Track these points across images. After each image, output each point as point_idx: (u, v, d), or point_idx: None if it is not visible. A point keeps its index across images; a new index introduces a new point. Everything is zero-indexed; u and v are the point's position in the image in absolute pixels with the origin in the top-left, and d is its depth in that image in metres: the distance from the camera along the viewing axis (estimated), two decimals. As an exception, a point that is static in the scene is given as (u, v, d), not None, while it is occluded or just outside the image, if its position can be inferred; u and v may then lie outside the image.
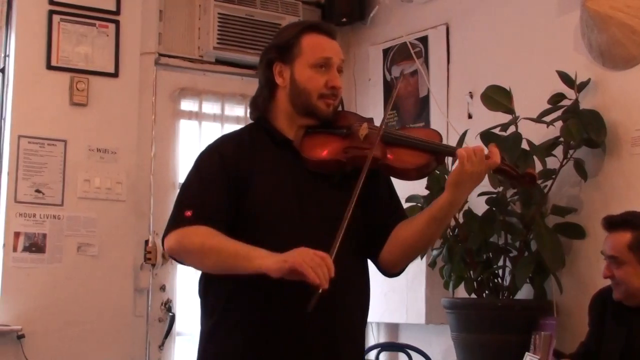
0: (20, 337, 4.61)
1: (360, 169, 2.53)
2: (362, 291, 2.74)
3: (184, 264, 2.64)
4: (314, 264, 2.31)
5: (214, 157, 2.66)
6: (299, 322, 2.52)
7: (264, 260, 2.40)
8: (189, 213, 2.54)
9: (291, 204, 2.59)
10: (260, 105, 2.76)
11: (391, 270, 2.75)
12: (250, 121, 2.84)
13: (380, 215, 2.71)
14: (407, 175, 2.65)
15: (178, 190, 2.73)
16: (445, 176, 3.83)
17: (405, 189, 3.33)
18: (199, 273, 2.72)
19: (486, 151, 2.53)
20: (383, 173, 2.67)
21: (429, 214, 2.61)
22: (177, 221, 2.56)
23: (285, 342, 2.55)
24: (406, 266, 2.77)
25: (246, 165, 2.62)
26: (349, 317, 2.66)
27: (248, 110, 2.84)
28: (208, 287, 2.67)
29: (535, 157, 4.07)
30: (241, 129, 2.88)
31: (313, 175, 2.63)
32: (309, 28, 2.71)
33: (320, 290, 2.30)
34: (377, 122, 2.71)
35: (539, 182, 4.11)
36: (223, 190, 2.58)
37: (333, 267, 2.33)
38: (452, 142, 4.51)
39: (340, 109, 2.75)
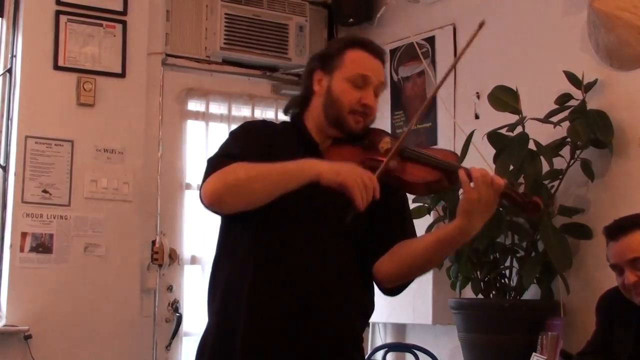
0: (27, 337, 4.62)
1: (379, 181, 2.57)
2: (358, 292, 2.72)
3: (224, 210, 2.57)
4: (363, 185, 2.40)
5: (251, 129, 2.73)
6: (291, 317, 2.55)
7: (316, 168, 2.46)
8: (225, 160, 2.53)
9: (302, 202, 2.59)
10: (298, 108, 2.80)
11: (386, 285, 2.75)
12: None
13: (385, 227, 2.72)
14: (416, 189, 2.69)
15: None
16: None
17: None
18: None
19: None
20: (393, 185, 2.67)
21: (436, 235, 2.65)
22: (213, 168, 2.52)
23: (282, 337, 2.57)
24: (402, 285, 2.76)
25: (275, 152, 2.63)
26: (340, 317, 2.65)
27: (285, 106, 2.85)
28: (216, 274, 2.70)
29: (542, 158, 4.06)
30: (277, 122, 2.91)
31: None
32: (356, 43, 2.73)
33: (358, 210, 2.40)
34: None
35: (546, 182, 4.10)
36: (254, 151, 2.59)
37: (378, 191, 2.43)
38: (459, 142, 4.51)
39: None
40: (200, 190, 2.53)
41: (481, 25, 2.72)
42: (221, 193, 2.48)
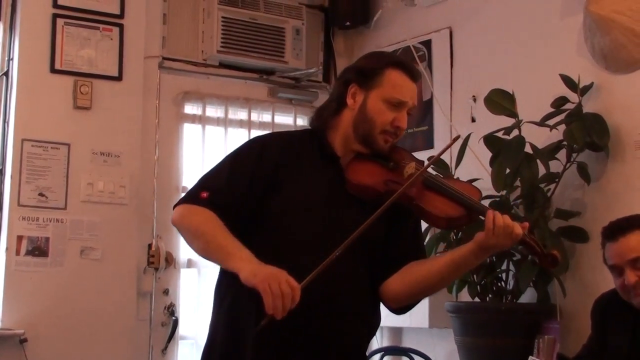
0: (23, 341, 4.60)
1: (396, 203, 2.57)
2: (367, 307, 2.74)
3: (183, 238, 2.71)
4: (277, 292, 2.34)
5: (255, 148, 2.73)
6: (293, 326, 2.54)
7: (241, 263, 2.46)
8: (205, 194, 2.62)
9: (316, 215, 2.63)
10: (323, 117, 2.80)
11: (391, 304, 2.76)
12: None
13: (399, 248, 2.73)
14: (437, 222, 2.70)
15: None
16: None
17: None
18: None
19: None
20: (415, 213, 2.69)
21: (450, 256, 2.65)
22: (191, 197, 2.65)
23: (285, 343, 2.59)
24: (410, 305, 2.78)
25: (285, 166, 2.67)
26: (348, 332, 2.67)
27: (313, 116, 2.87)
28: (223, 280, 2.73)
29: (538, 161, 4.07)
30: (295, 131, 3.00)
31: (349, 197, 2.67)
32: (397, 64, 2.74)
33: (273, 318, 2.34)
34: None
35: (542, 185, 4.11)
36: (249, 182, 2.63)
37: (298, 298, 2.35)
38: (455, 145, 4.50)
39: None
40: (174, 205, 2.66)
41: (455, 139, 2.79)
42: (177, 225, 2.66)
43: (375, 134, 2.68)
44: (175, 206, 2.66)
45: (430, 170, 2.72)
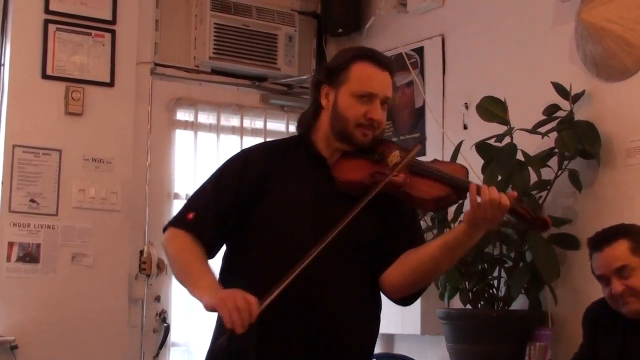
0: (14, 347, 4.58)
1: (385, 194, 2.58)
2: (365, 308, 2.74)
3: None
4: (232, 307, 2.36)
5: (238, 162, 2.76)
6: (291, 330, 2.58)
7: (201, 292, 2.51)
8: (191, 215, 2.67)
9: (306, 218, 2.64)
10: (304, 122, 2.82)
11: (393, 296, 2.76)
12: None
13: (395, 238, 2.72)
14: (425, 205, 2.70)
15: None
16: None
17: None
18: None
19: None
20: (403, 201, 2.68)
21: (443, 240, 2.64)
22: (177, 219, 2.71)
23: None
24: (413, 294, 2.76)
25: (272, 173, 2.69)
26: (345, 334, 2.66)
27: (297, 122, 2.90)
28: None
29: (530, 168, 4.07)
30: (281, 140, 2.96)
31: (339, 195, 2.66)
32: (362, 56, 2.73)
33: (233, 332, 2.37)
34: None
35: (534, 192, 4.11)
36: (235, 196, 2.67)
37: (255, 313, 2.37)
38: (448, 152, 4.52)
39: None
40: (164, 228, 2.74)
41: (418, 148, 2.77)
42: (164, 248, 2.75)
43: (350, 130, 2.68)
44: (165, 228, 2.72)
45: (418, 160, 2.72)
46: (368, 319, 2.76)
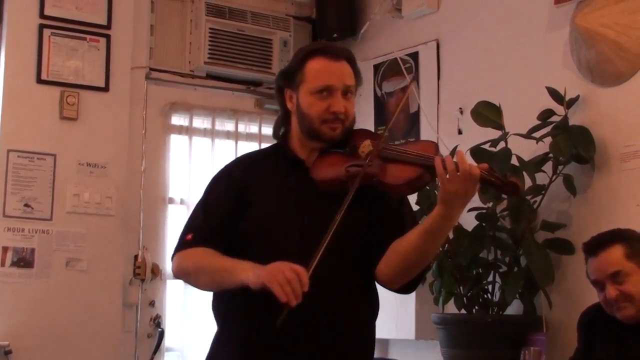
0: (8, 352, 4.58)
1: (365, 186, 2.58)
2: (359, 306, 2.73)
3: (191, 285, 2.82)
4: (283, 280, 2.36)
5: (222, 180, 2.79)
6: (286, 338, 2.56)
7: (245, 273, 2.49)
8: (189, 237, 2.71)
9: (291, 223, 2.64)
10: (277, 128, 2.84)
11: (392, 285, 2.73)
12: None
13: (382, 231, 2.71)
14: (400, 189, 2.66)
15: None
16: (435, 192, 3.84)
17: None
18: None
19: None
20: (380, 189, 2.66)
21: (422, 227, 2.60)
22: (180, 245, 2.74)
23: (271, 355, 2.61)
24: (408, 281, 2.72)
25: (254, 183, 2.71)
26: (341, 333, 2.65)
27: (272, 130, 2.91)
28: (215, 302, 2.78)
29: (525, 173, 4.07)
30: (263, 149, 2.98)
31: (322, 195, 2.66)
32: (313, 52, 2.73)
33: (288, 306, 2.35)
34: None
35: (529, 197, 4.11)
36: (225, 211, 2.70)
37: (307, 281, 2.37)
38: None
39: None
40: (172, 259, 2.77)
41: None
42: (178, 275, 2.77)
43: (317, 127, 2.67)
44: (172, 258, 2.75)
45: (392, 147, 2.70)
46: (366, 318, 2.76)
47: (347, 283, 2.67)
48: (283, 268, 2.39)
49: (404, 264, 2.65)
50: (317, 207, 2.63)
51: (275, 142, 2.88)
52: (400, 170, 2.60)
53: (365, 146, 2.67)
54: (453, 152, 4.27)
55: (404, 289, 2.75)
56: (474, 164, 2.50)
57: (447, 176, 2.45)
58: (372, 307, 2.79)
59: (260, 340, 2.60)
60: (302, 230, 2.61)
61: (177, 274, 2.75)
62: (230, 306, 2.69)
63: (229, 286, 2.57)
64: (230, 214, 2.69)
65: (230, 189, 2.72)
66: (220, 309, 2.75)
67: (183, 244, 2.72)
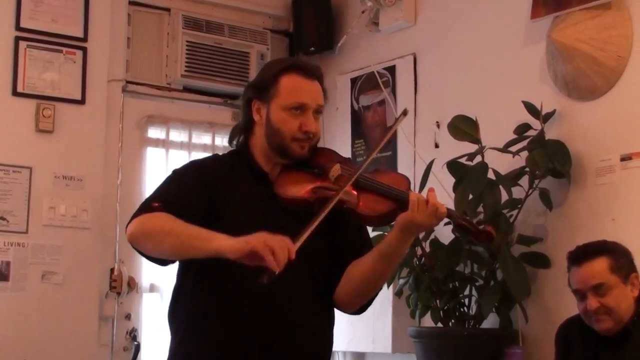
0: (-17, 366, 4.56)
1: (334, 210, 2.55)
2: (322, 331, 2.74)
3: (144, 253, 2.60)
4: (277, 247, 2.30)
5: (193, 169, 2.72)
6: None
7: (223, 241, 2.38)
8: (156, 204, 2.55)
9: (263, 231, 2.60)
10: (237, 138, 2.79)
11: (347, 310, 2.77)
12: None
13: (344, 252, 2.72)
14: (369, 221, 2.70)
15: None
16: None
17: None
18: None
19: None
20: (347, 216, 2.66)
21: (377, 251, 2.64)
22: (143, 209, 2.57)
23: None
24: (363, 304, 2.76)
25: (223, 189, 2.65)
26: (301, 342, 2.65)
27: (229, 137, 2.86)
28: (176, 307, 2.71)
29: (501, 187, 4.09)
30: (221, 155, 2.91)
31: (286, 211, 2.65)
32: (289, 68, 2.71)
33: (273, 273, 2.29)
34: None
35: (505, 211, 4.13)
36: (195, 201, 2.60)
37: (293, 253, 2.33)
38: (419, 170, 4.53)
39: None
40: (127, 225, 2.57)
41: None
42: (137, 235, 2.53)
43: (287, 144, 2.66)
44: (127, 225, 2.57)
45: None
46: (325, 339, 2.76)
47: (309, 308, 2.67)
48: (274, 237, 2.33)
49: (361, 288, 2.68)
50: (285, 224, 2.56)
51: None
52: (374, 202, 2.62)
53: (335, 170, 2.67)
54: (430, 166, 4.29)
55: (357, 312, 2.79)
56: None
57: (417, 207, 2.51)
58: (331, 317, 2.79)
59: (220, 348, 2.58)
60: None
61: (136, 234, 2.52)
62: (190, 318, 2.65)
63: (196, 254, 2.44)
64: (200, 201, 2.59)
65: (204, 180, 2.64)
66: (180, 320, 2.69)
67: (148, 209, 2.55)
